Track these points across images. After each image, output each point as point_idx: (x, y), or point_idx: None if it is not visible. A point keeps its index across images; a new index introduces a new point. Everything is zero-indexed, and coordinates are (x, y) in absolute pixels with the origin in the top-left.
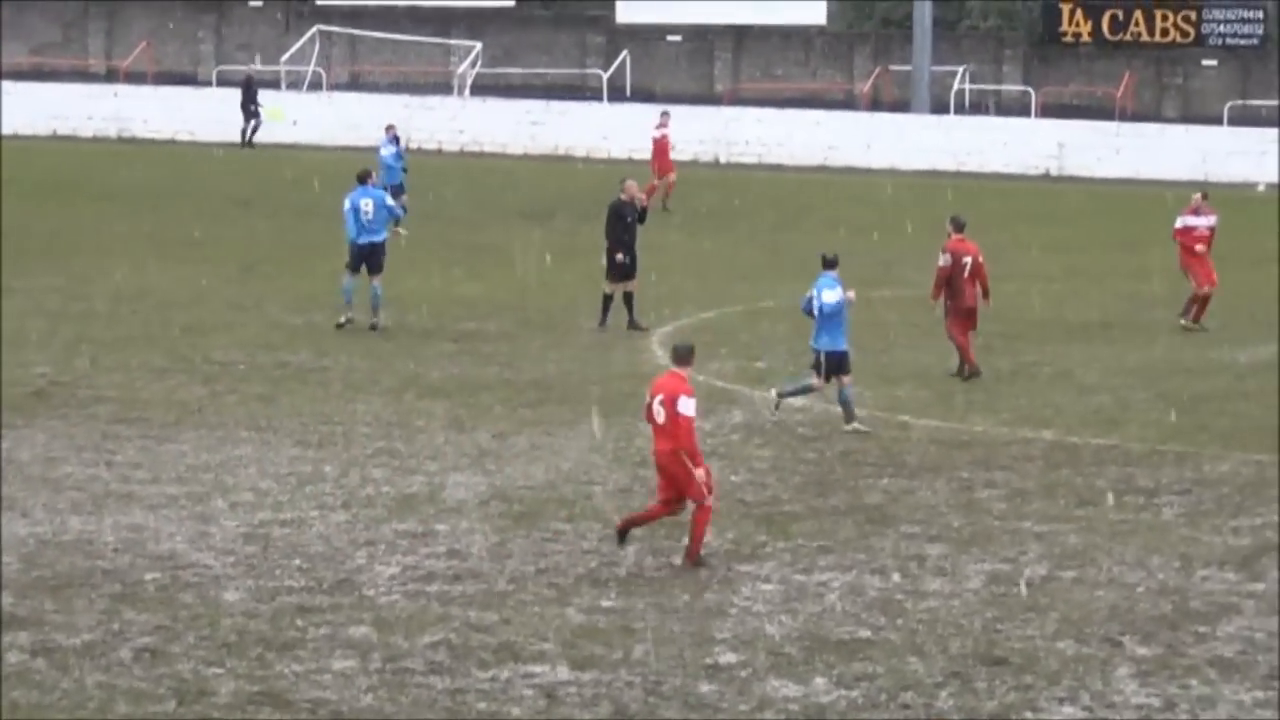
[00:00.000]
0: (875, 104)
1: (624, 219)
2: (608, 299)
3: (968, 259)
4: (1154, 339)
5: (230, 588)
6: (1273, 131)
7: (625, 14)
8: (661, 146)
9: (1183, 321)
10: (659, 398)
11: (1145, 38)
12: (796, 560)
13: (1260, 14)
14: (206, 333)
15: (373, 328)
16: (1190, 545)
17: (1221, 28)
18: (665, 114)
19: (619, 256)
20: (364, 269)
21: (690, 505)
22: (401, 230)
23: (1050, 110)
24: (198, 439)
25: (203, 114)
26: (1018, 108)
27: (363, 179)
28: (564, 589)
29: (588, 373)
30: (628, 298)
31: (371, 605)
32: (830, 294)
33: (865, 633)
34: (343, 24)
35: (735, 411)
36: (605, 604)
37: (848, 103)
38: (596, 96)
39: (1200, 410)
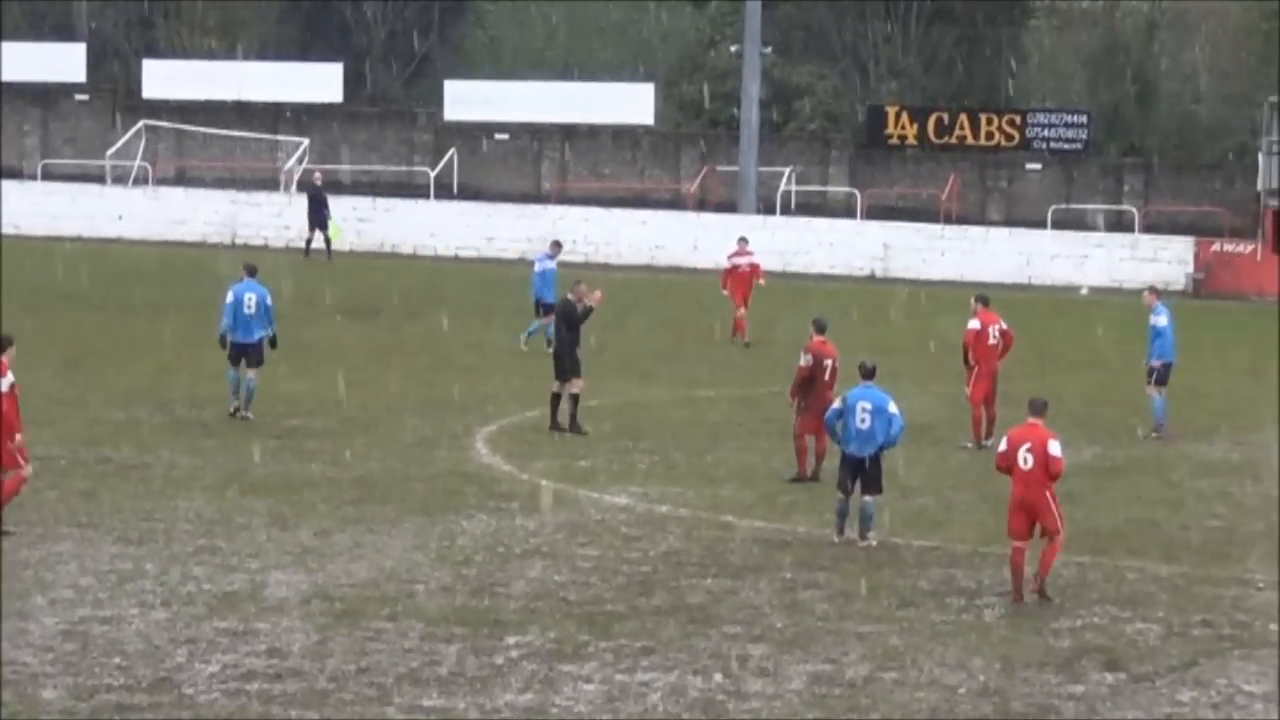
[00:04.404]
0: (702, 204)
1: (570, 318)
2: (555, 398)
3: (828, 361)
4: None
5: (48, 685)
6: (1095, 235)
7: (453, 112)
8: (747, 276)
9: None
10: (1026, 445)
11: (971, 141)
12: (619, 660)
13: (1084, 119)
14: (28, 428)
15: (239, 416)
16: (1011, 647)
17: (1046, 132)
18: (743, 240)
19: (565, 355)
20: (243, 362)
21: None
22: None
23: (876, 212)
24: (17, 535)
25: (27, 207)
26: (843, 209)
27: (251, 271)
28: (385, 688)
29: (411, 471)
30: (574, 399)
31: (191, 704)
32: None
33: None
34: (170, 119)
35: (559, 510)
36: (426, 703)
37: (675, 202)
38: (423, 194)
39: None
